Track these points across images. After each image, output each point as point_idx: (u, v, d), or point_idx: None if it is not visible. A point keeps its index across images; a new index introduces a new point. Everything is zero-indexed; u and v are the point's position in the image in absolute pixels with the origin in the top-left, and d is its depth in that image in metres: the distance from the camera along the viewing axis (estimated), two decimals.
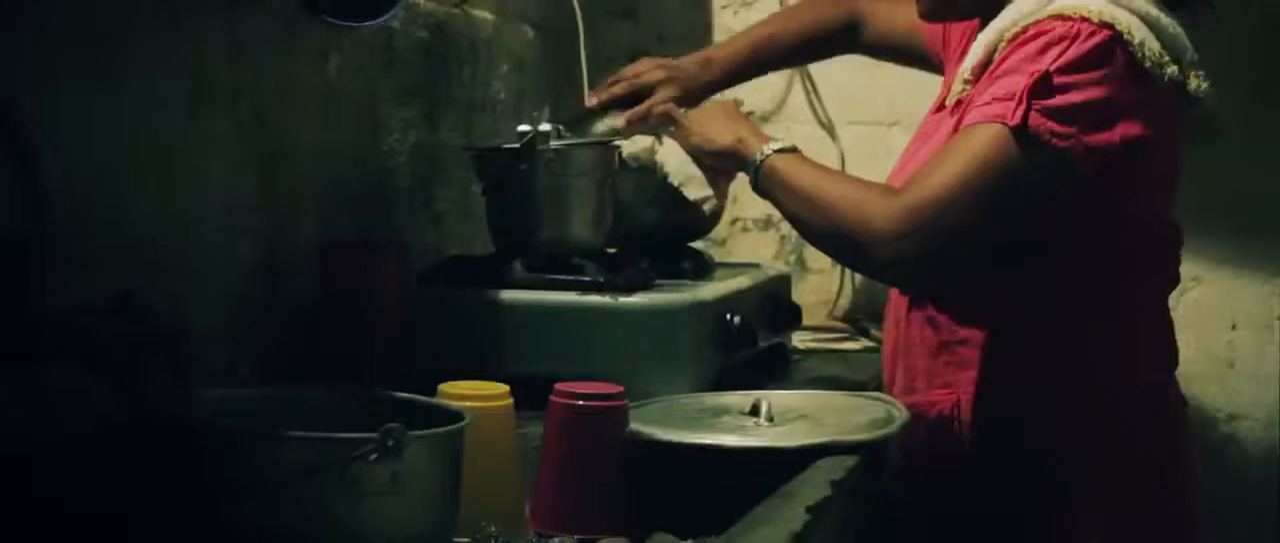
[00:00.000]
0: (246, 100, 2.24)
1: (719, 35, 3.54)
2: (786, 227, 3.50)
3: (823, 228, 2.13)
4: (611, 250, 2.59)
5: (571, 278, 2.38)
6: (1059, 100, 1.96)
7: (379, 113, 2.66)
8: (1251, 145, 3.16)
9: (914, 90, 3.34)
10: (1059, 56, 1.98)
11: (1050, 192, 2.01)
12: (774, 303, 2.70)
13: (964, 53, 2.21)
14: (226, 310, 2.20)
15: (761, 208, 3.50)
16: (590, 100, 2.68)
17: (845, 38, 2.75)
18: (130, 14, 1.98)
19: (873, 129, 3.45)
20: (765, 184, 2.20)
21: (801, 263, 3.49)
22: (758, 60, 2.78)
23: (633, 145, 2.61)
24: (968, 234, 2.01)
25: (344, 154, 2.55)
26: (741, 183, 2.40)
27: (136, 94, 2.00)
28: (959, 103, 2.14)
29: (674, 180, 2.59)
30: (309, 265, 2.32)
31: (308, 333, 2.28)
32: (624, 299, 2.34)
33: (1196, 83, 2.07)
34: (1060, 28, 2.00)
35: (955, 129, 2.09)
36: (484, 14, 3.10)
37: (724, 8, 3.55)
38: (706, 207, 2.65)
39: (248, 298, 2.26)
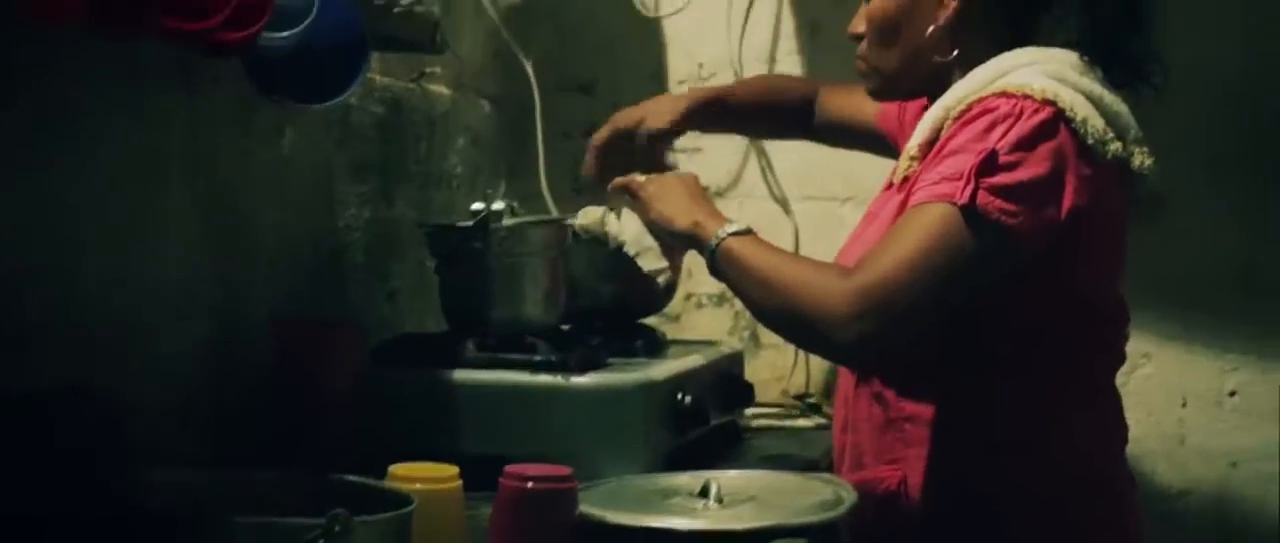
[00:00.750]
0: (202, 176, 2.25)
1: None
2: (741, 303, 3.51)
3: (777, 310, 2.13)
4: (565, 327, 2.60)
5: (524, 357, 2.39)
6: (1005, 179, 1.98)
7: (334, 188, 2.67)
8: (1199, 221, 3.18)
9: (868, 167, 3.37)
10: (1004, 135, 2.00)
11: (999, 269, 2.03)
12: (726, 381, 2.71)
13: None
14: (178, 387, 2.20)
15: (715, 283, 3.51)
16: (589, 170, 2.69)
17: (803, 113, 2.77)
18: (87, 90, 1.98)
19: (827, 205, 3.47)
20: (721, 267, 2.21)
21: (755, 339, 3.50)
22: (711, 111, 2.76)
23: (584, 217, 2.62)
24: (920, 314, 2.02)
25: (299, 230, 2.55)
26: (695, 258, 2.41)
27: (93, 170, 2.01)
28: (906, 180, 2.16)
29: (630, 250, 2.60)
30: (262, 342, 2.32)
31: (261, 410, 2.28)
32: (576, 379, 2.34)
33: (1141, 160, 2.10)
34: (1004, 106, 2.03)
35: (902, 207, 2.11)
36: (440, 89, 3.11)
37: (680, 83, 3.57)
38: (661, 279, 2.66)
39: (200, 375, 2.25)
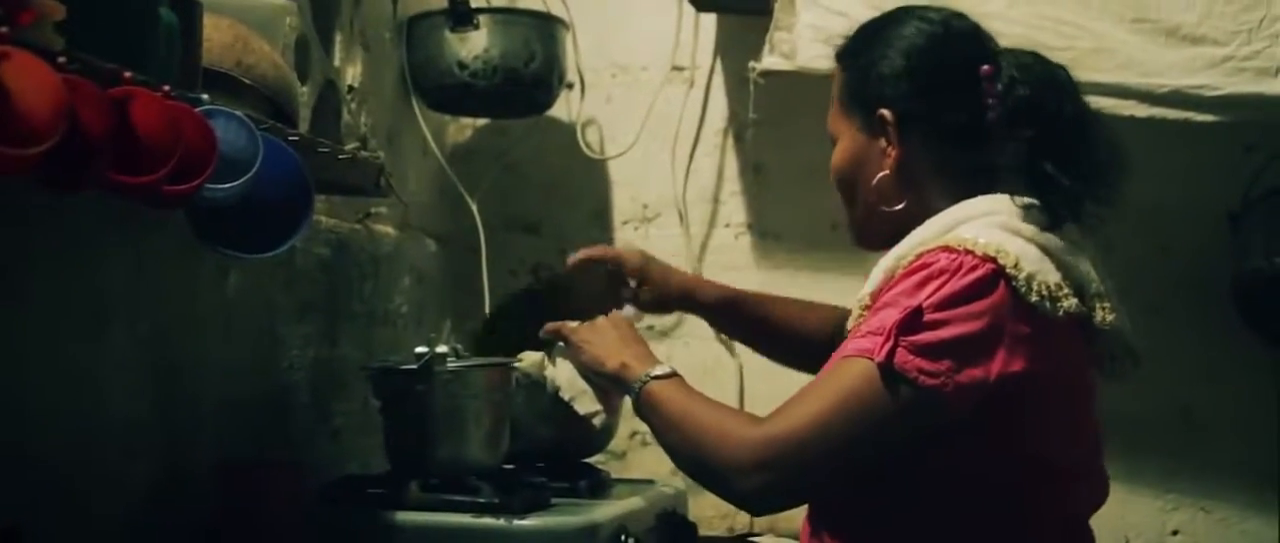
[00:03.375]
0: (146, 318, 2.25)
1: None
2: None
3: (688, 454, 2.12)
4: (508, 467, 2.60)
5: (467, 499, 2.39)
6: (928, 337, 1.94)
7: (278, 329, 2.67)
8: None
9: None
10: (936, 291, 1.96)
11: (916, 427, 1.97)
12: (670, 521, 2.71)
13: None
14: (123, 529, 2.19)
15: None
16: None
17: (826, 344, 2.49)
18: (30, 232, 1.99)
19: None
20: (643, 410, 2.22)
21: None
22: (724, 305, 2.71)
23: (524, 361, 2.63)
24: (822, 468, 1.99)
25: (243, 370, 2.56)
26: None
27: (36, 312, 2.01)
28: (854, 328, 2.13)
29: (565, 394, 2.62)
30: (207, 483, 2.32)
31: None
32: (518, 522, 2.34)
33: (1103, 315, 2.05)
34: (944, 260, 1.99)
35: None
36: (386, 229, 3.13)
37: (624, 224, 3.60)
38: (596, 421, 2.67)
39: (145, 515, 2.24)
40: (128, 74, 1.71)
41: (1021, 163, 2.10)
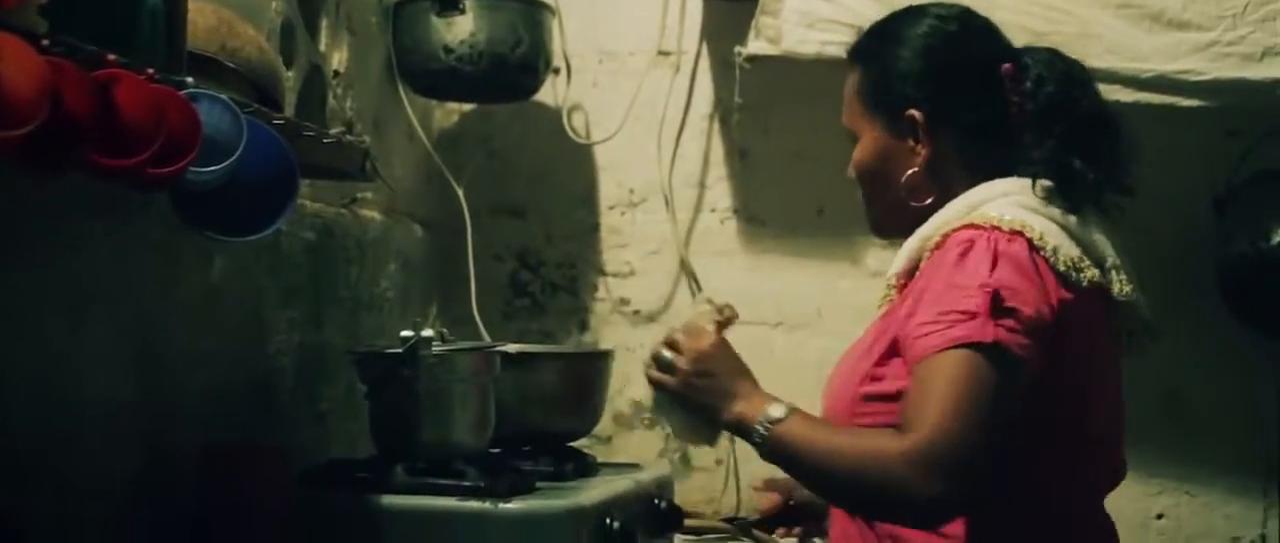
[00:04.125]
0: (129, 302, 2.25)
1: (606, 235, 3.59)
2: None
3: (848, 487, 2.06)
4: (495, 451, 2.60)
5: (452, 483, 2.39)
6: (1015, 313, 1.96)
7: (264, 314, 2.67)
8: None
9: (798, 293, 3.43)
10: (995, 267, 1.99)
11: (1021, 398, 1.98)
12: (655, 505, 2.71)
13: None
14: (107, 516, 2.19)
15: (646, 403, 3.54)
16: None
17: None
18: (13, 215, 1.99)
19: (758, 330, 3.49)
20: (773, 457, 2.11)
21: (686, 461, 3.52)
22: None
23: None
24: (982, 460, 1.95)
25: (227, 355, 2.55)
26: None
27: (17, 296, 2.01)
28: (886, 309, 2.20)
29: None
30: (192, 468, 2.32)
31: (192, 536, 2.27)
32: (504, 505, 2.34)
33: (1120, 286, 2.11)
34: (980, 239, 2.03)
35: (882, 332, 2.14)
36: (372, 213, 3.13)
37: (611, 208, 3.60)
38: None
39: (129, 502, 2.24)
40: (112, 57, 1.71)
41: (1046, 156, 2.16)
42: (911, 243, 2.18)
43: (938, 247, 2.09)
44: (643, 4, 3.58)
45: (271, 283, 2.68)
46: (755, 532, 3.18)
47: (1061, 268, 2.03)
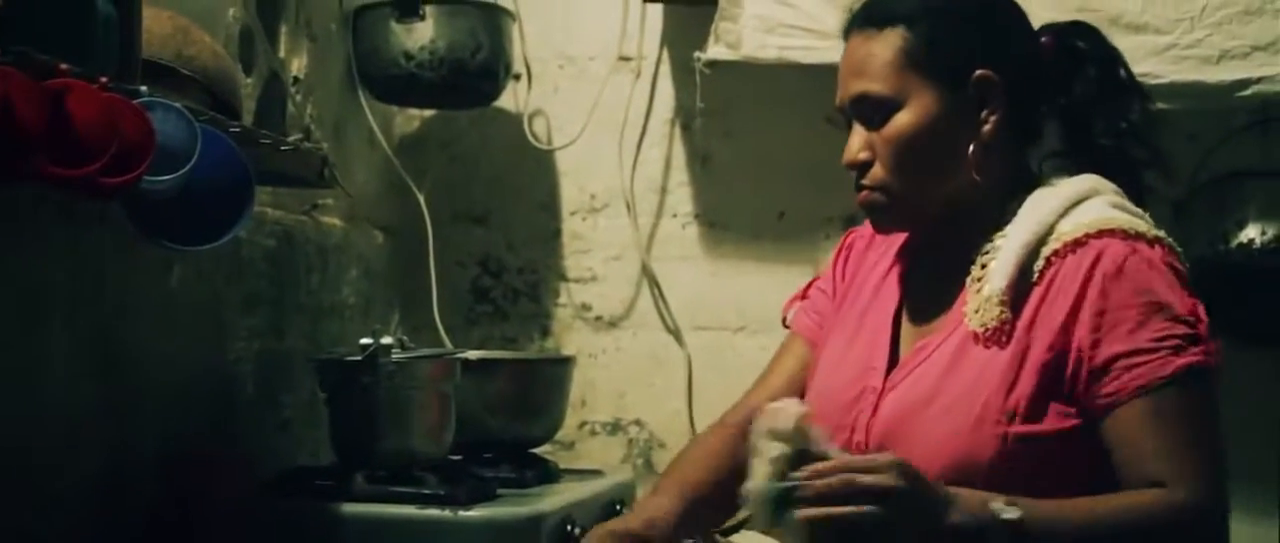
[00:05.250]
0: (85, 312, 2.24)
1: (568, 241, 3.59)
2: (635, 430, 3.54)
3: None
4: (456, 458, 2.60)
5: (412, 491, 2.39)
6: (1203, 329, 1.93)
7: (224, 320, 2.66)
8: None
9: (760, 297, 3.43)
10: (1170, 286, 1.94)
11: None
12: (617, 512, 2.71)
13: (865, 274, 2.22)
14: (67, 524, 2.18)
15: (610, 411, 3.54)
16: None
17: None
18: None
19: (719, 334, 3.50)
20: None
21: (649, 466, 3.52)
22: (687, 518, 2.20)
23: None
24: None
25: (188, 363, 2.55)
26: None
27: None
28: (995, 329, 1.97)
29: None
30: (152, 477, 2.31)
31: None
32: (464, 513, 2.35)
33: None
34: (1141, 251, 1.96)
35: (1008, 362, 1.95)
36: (333, 220, 3.12)
37: (573, 214, 3.60)
38: None
39: (88, 511, 2.23)
40: (64, 67, 1.71)
41: (1110, 146, 2.12)
42: (1015, 253, 1.99)
43: (1069, 254, 1.96)
44: (602, 9, 3.58)
45: (232, 290, 2.68)
46: (717, 537, 3.19)
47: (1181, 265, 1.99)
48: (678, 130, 3.57)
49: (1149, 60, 3.00)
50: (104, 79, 1.76)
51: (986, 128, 2.03)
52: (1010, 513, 1.80)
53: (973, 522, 1.80)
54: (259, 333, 2.77)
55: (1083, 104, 2.13)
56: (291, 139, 2.47)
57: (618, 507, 2.73)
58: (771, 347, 2.30)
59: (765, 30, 3.13)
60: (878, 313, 2.16)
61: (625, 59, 3.56)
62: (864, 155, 2.06)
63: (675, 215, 3.58)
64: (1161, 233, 2.01)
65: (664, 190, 3.58)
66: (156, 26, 2.12)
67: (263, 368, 2.78)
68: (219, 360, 2.66)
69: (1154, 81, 2.99)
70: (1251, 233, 3.07)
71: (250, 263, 2.74)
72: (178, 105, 1.93)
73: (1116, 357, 1.90)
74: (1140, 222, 2.01)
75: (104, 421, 2.28)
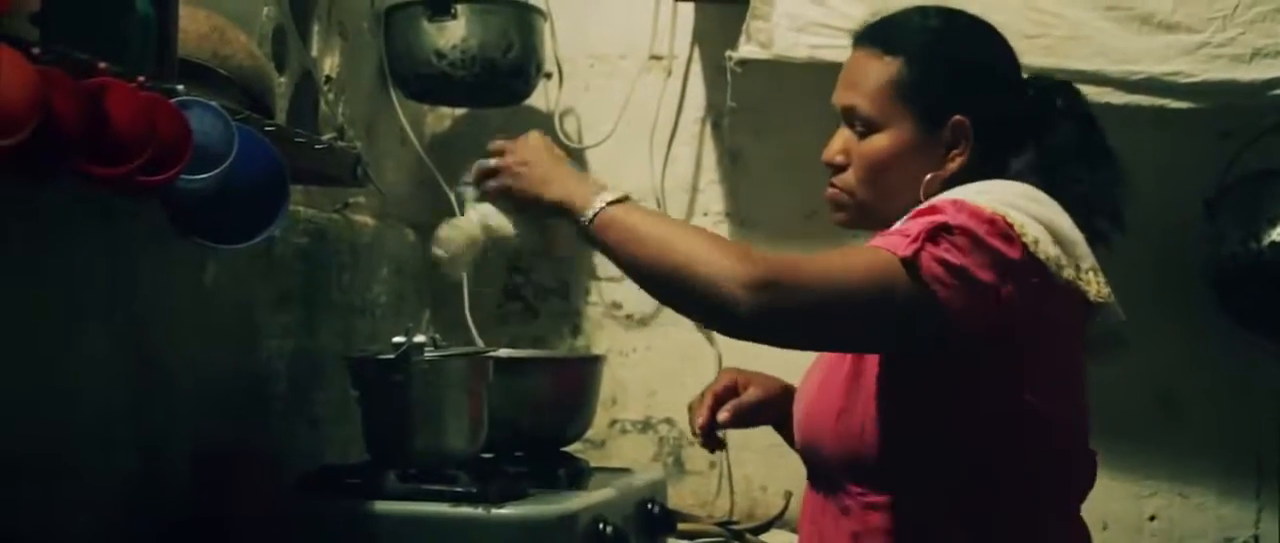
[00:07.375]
0: (121, 309, 2.25)
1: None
2: (666, 428, 3.54)
3: (670, 268, 2.00)
4: (487, 456, 2.60)
5: (444, 489, 2.39)
6: (952, 254, 1.95)
7: (257, 319, 2.67)
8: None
9: None
10: (961, 220, 1.97)
11: (911, 334, 1.98)
12: (648, 510, 2.72)
13: None
14: (100, 524, 2.19)
15: (640, 410, 3.54)
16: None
17: None
18: (3, 224, 1.99)
19: None
20: (604, 232, 2.08)
21: (679, 465, 3.52)
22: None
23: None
24: (818, 312, 1.95)
25: (220, 361, 2.56)
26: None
27: (8, 304, 2.01)
28: None
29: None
30: (185, 475, 2.32)
31: None
32: (496, 511, 2.34)
33: (1097, 288, 2.07)
34: (948, 205, 2.01)
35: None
36: (365, 218, 3.13)
37: None
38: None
39: (122, 510, 2.24)
40: (102, 66, 1.71)
41: (1033, 163, 2.19)
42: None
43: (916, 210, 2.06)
44: (634, 8, 3.58)
45: (265, 288, 2.69)
46: (748, 536, 3.20)
47: (1040, 256, 1.99)
48: (708, 129, 3.58)
49: (1181, 59, 2.99)
50: (141, 78, 1.77)
51: (951, 165, 2.16)
52: (613, 194, 2.09)
53: (568, 197, 2.14)
54: (291, 331, 2.78)
55: (1053, 155, 2.20)
56: (326, 137, 2.48)
57: (649, 506, 2.73)
58: None
59: (797, 29, 3.13)
60: None
61: (656, 58, 3.57)
62: (840, 159, 2.24)
63: (706, 214, 3.58)
64: (1019, 220, 2.00)
65: (695, 189, 3.58)
66: (193, 26, 2.13)
67: (295, 366, 2.79)
68: (252, 359, 2.67)
69: (1186, 80, 2.99)
70: None
71: (283, 261, 2.74)
72: (215, 105, 1.94)
73: None
74: (998, 207, 2.01)
75: (137, 419, 2.29)
